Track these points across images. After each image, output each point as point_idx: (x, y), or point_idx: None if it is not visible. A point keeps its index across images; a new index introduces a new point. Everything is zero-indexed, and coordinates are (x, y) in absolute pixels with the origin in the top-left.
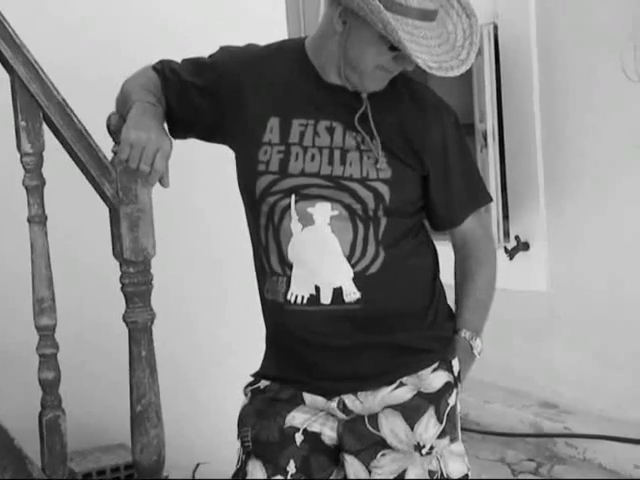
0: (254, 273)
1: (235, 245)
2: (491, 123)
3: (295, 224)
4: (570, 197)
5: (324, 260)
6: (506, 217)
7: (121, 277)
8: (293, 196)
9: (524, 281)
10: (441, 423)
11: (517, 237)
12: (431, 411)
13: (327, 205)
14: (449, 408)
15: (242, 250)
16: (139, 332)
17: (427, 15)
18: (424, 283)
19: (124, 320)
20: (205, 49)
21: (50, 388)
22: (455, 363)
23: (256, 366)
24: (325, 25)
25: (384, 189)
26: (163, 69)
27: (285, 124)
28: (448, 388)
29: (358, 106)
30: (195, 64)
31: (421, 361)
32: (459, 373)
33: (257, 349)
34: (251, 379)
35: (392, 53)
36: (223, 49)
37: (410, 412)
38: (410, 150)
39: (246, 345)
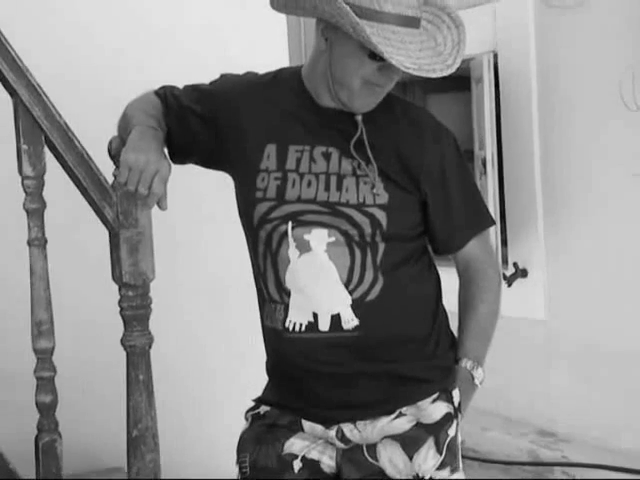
0: (255, 298)
1: (235, 268)
2: (490, 150)
3: (293, 251)
4: (569, 224)
5: (321, 287)
6: (505, 244)
7: (120, 301)
8: (290, 223)
9: (522, 308)
10: (441, 454)
11: (515, 264)
12: (430, 442)
13: (324, 231)
14: (449, 439)
15: (242, 273)
16: (137, 356)
17: (405, 21)
18: (425, 310)
19: (122, 344)
20: (206, 75)
21: (47, 411)
22: (455, 394)
23: (255, 390)
24: (314, 48)
25: (381, 215)
26: (165, 94)
27: (282, 151)
28: (448, 419)
29: (354, 131)
30: (195, 90)
31: (421, 391)
32: (460, 404)
33: (256, 374)
34: (252, 404)
35: (374, 63)
36: (223, 77)
37: (409, 442)
38: (407, 175)
39: (245, 370)
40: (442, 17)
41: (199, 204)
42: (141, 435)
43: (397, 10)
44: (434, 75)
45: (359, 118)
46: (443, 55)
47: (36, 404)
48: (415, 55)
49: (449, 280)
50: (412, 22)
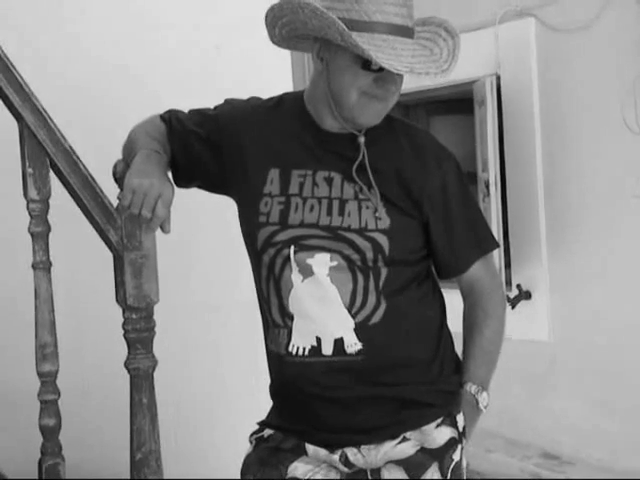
0: (259, 321)
1: (239, 291)
2: (493, 172)
3: (296, 275)
4: (572, 247)
5: (324, 311)
6: (508, 266)
7: (124, 323)
8: (292, 247)
9: (526, 330)
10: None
11: (519, 286)
12: (435, 467)
13: (326, 256)
14: (454, 464)
15: (247, 297)
16: (140, 379)
17: (396, 30)
18: (429, 334)
19: (126, 366)
20: (212, 99)
21: (50, 435)
22: (460, 418)
23: (258, 414)
24: (313, 71)
25: (383, 239)
26: (170, 118)
27: (285, 175)
28: (452, 444)
29: (356, 155)
30: (200, 114)
31: (425, 416)
32: (464, 428)
33: (260, 397)
34: (256, 427)
35: (369, 74)
36: (227, 102)
37: (413, 467)
38: (409, 198)
39: (249, 393)
40: (439, 32)
41: (203, 227)
42: (145, 458)
43: (386, 19)
44: (427, 77)
45: (362, 141)
46: (438, 62)
47: (40, 427)
48: (407, 60)
49: (454, 302)
50: (403, 31)
